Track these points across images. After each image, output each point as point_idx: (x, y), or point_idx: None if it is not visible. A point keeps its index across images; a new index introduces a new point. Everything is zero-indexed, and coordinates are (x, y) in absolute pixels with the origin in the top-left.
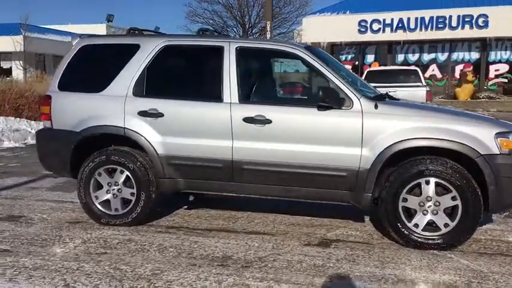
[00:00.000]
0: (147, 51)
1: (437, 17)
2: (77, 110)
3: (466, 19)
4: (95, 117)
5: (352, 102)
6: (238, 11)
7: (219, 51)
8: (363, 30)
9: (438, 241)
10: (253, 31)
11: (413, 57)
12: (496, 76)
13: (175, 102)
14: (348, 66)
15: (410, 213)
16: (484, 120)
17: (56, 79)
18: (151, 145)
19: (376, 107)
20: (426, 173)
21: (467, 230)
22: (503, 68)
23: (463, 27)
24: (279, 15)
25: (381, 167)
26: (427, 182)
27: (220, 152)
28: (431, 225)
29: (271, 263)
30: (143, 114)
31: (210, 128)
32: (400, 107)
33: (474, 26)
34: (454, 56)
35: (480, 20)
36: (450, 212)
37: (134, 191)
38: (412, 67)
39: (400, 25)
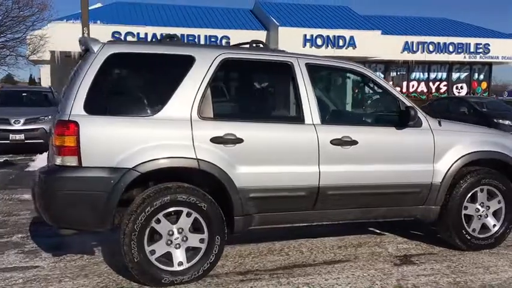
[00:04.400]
0: (206, 65)
1: (188, 36)
2: (124, 140)
3: (212, 39)
4: (153, 147)
5: (421, 120)
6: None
7: (287, 68)
8: None
9: (491, 241)
10: None
11: None
12: None
13: (255, 125)
14: None
15: (468, 220)
16: (507, 134)
17: (77, 99)
18: (230, 177)
19: (440, 124)
20: (483, 182)
21: (508, 227)
22: None
23: None
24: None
25: (452, 180)
26: (482, 190)
27: (305, 178)
28: (484, 228)
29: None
30: (218, 140)
31: (295, 152)
32: (454, 124)
33: None
34: None
35: (223, 42)
36: (494, 214)
37: (205, 236)
38: None
39: (154, 40)
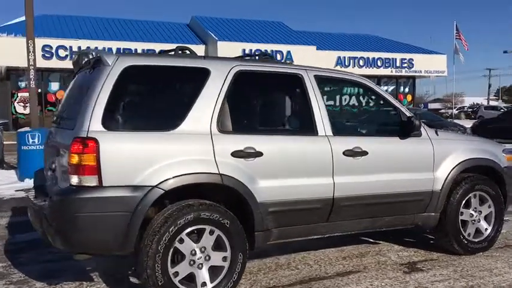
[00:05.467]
0: (221, 77)
1: (125, 49)
2: (146, 156)
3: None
4: (176, 163)
5: (421, 130)
6: None
7: (298, 80)
8: (48, 55)
9: (485, 244)
10: None
11: None
12: None
13: (273, 138)
14: (25, 94)
15: (463, 225)
16: (491, 141)
17: (95, 114)
18: (252, 192)
19: (437, 133)
20: (476, 188)
21: (498, 230)
22: None
23: None
24: None
25: (450, 187)
26: (475, 196)
27: (321, 190)
28: (477, 232)
29: None
30: (238, 154)
31: (312, 165)
32: (448, 133)
33: None
34: None
35: None
36: (485, 218)
37: (227, 254)
38: None
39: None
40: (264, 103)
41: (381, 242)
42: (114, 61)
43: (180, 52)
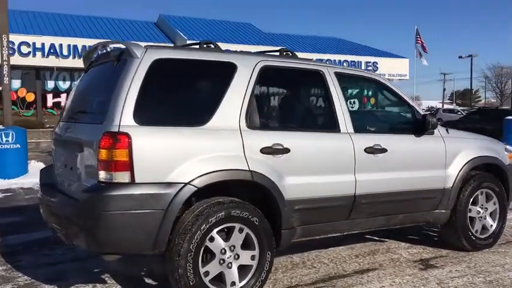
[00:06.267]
0: (248, 72)
1: (90, 47)
2: (178, 152)
3: None
4: (208, 160)
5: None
6: None
7: (319, 76)
8: (10, 52)
9: (491, 240)
10: None
11: (64, 85)
12: None
13: (300, 135)
14: None
15: (471, 222)
16: (495, 140)
17: (126, 108)
18: (280, 189)
19: (447, 131)
20: (483, 186)
21: (502, 226)
22: None
23: None
24: None
25: (461, 184)
26: (482, 193)
27: (344, 188)
28: (483, 229)
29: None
30: (267, 151)
31: (336, 161)
32: (458, 131)
33: None
34: None
35: None
36: (490, 214)
37: (256, 252)
38: None
39: (52, 50)
40: (288, 99)
41: (386, 239)
42: (142, 53)
43: (205, 46)
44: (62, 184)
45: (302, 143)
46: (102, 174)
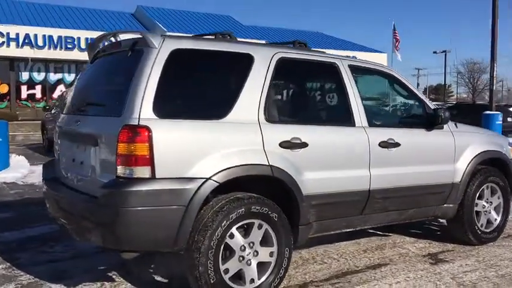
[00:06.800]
0: (265, 64)
1: (66, 37)
2: (199, 146)
3: None
4: (228, 154)
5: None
6: None
7: (334, 69)
8: None
9: (495, 234)
10: None
11: (39, 76)
12: None
13: (317, 129)
14: None
15: (476, 216)
16: (499, 134)
17: (145, 100)
18: (298, 184)
19: (456, 125)
20: (489, 180)
21: (505, 220)
22: None
23: None
24: None
25: (469, 178)
26: (487, 187)
27: (359, 182)
28: (488, 223)
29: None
30: (286, 145)
31: (352, 156)
32: (465, 126)
33: None
34: None
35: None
36: (495, 209)
37: (274, 249)
38: None
39: (26, 41)
40: (304, 92)
41: (390, 234)
42: (160, 43)
43: (221, 37)
44: (69, 179)
45: (319, 137)
46: (121, 169)
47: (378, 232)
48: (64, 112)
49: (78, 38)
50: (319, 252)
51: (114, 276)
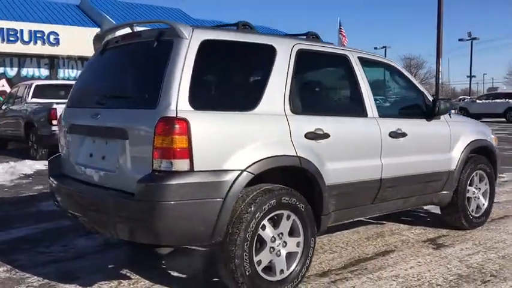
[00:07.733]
0: (287, 55)
1: (8, 30)
2: (234, 138)
3: (38, 35)
4: (261, 145)
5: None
6: None
7: (346, 61)
8: None
9: (483, 218)
10: None
11: None
12: None
13: (337, 120)
14: None
15: (468, 202)
16: (483, 124)
17: (182, 91)
18: (322, 175)
19: (450, 115)
20: (478, 167)
21: (491, 205)
22: None
23: (35, 43)
24: None
25: (462, 166)
26: (477, 174)
27: (373, 172)
28: (477, 208)
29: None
30: (310, 136)
31: (368, 146)
32: (458, 116)
33: (46, 42)
34: (24, 71)
35: (51, 37)
36: (483, 194)
37: (300, 239)
38: None
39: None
40: (321, 83)
41: (384, 222)
42: (190, 33)
43: (242, 28)
44: (86, 174)
45: (340, 128)
46: (158, 163)
47: (372, 221)
48: (70, 105)
49: (21, 30)
50: (324, 241)
51: (128, 274)
